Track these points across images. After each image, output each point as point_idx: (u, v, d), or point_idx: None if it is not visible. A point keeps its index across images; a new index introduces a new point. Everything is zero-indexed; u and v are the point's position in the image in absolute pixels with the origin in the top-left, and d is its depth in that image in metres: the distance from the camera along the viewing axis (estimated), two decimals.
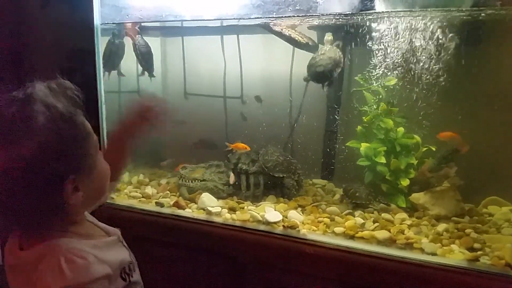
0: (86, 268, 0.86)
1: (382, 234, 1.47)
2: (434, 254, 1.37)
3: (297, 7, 1.57)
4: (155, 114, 1.20)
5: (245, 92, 2.23)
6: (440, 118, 1.66)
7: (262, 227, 1.59)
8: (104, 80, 1.89)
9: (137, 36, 2.05)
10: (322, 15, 1.63)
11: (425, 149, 1.74)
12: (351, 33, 1.76)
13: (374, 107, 1.81)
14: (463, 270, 1.29)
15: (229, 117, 2.29)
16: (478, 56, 1.67)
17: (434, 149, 1.72)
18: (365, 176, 1.81)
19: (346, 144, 1.86)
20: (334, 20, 1.73)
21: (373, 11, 1.51)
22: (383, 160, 1.74)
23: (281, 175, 1.85)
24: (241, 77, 2.22)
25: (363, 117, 1.83)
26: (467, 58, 1.61)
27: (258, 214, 1.63)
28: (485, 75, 1.66)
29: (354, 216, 1.64)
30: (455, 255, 1.36)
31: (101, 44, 1.87)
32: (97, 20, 1.80)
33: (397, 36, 1.63)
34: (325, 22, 1.80)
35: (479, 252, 1.35)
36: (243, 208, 1.74)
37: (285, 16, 1.61)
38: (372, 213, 1.67)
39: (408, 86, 1.68)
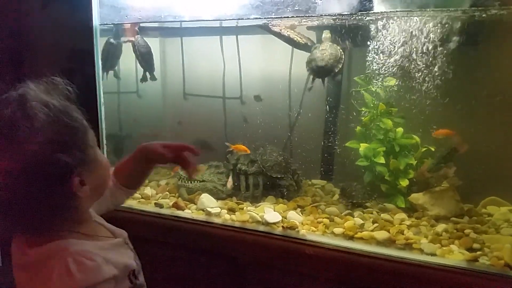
0: (95, 269, 0.86)
1: (381, 234, 1.47)
2: (433, 254, 1.37)
3: (296, 8, 1.57)
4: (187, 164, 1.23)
5: (244, 92, 2.23)
6: (439, 118, 1.66)
7: (261, 228, 1.59)
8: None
9: (136, 36, 2.05)
10: (321, 15, 1.63)
11: (424, 149, 1.74)
12: (349, 33, 1.76)
13: (372, 107, 1.81)
14: (462, 270, 1.29)
15: (228, 117, 2.29)
16: (477, 56, 1.67)
17: (433, 149, 1.73)
18: (364, 177, 1.81)
19: (345, 144, 1.87)
20: (333, 20, 1.73)
21: (372, 11, 1.51)
22: (382, 160, 1.75)
23: (280, 176, 1.85)
24: (240, 77, 2.22)
25: (362, 118, 1.83)
26: (466, 58, 1.61)
27: (258, 214, 1.62)
28: (484, 75, 1.66)
29: (353, 217, 1.64)
30: (454, 256, 1.36)
31: (100, 44, 1.87)
32: (96, 20, 1.80)
33: (396, 36, 1.63)
34: (324, 23, 1.80)
35: (478, 253, 1.35)
36: (242, 208, 1.74)
37: (284, 17, 1.61)
38: (372, 213, 1.67)
39: (407, 87, 1.68)
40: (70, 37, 1.85)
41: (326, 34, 1.82)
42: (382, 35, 1.65)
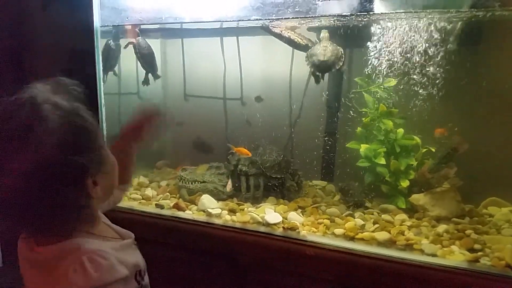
0: (109, 268, 0.87)
1: (382, 235, 1.47)
2: (434, 255, 1.37)
3: (296, 9, 1.57)
4: (155, 121, 1.24)
5: (245, 93, 2.23)
6: (440, 118, 1.66)
7: (262, 229, 1.59)
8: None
9: (137, 38, 2.05)
10: (322, 16, 1.63)
11: (424, 150, 1.74)
12: (349, 34, 1.77)
13: (373, 108, 1.81)
14: (463, 271, 1.29)
15: (229, 118, 2.29)
16: (477, 57, 1.67)
17: (433, 150, 1.73)
18: (365, 177, 1.81)
19: (346, 145, 1.87)
20: (333, 21, 1.73)
21: (372, 12, 1.52)
22: (383, 161, 1.75)
23: (279, 176, 1.85)
24: (241, 78, 2.22)
25: (363, 118, 1.83)
26: (465, 58, 1.61)
27: (258, 215, 1.62)
28: (484, 76, 1.66)
29: (354, 218, 1.64)
30: (455, 256, 1.36)
31: (100, 46, 1.88)
32: (97, 22, 1.80)
33: (396, 37, 1.63)
34: (324, 24, 1.80)
35: (479, 253, 1.35)
36: (243, 209, 1.74)
37: (285, 18, 1.62)
38: (372, 214, 1.67)
39: (406, 87, 1.69)
40: (70, 38, 1.85)
41: (324, 33, 1.82)
42: (382, 36, 1.65)
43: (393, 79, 1.72)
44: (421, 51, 1.62)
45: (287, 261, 1.48)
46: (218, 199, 1.83)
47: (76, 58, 1.88)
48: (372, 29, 1.67)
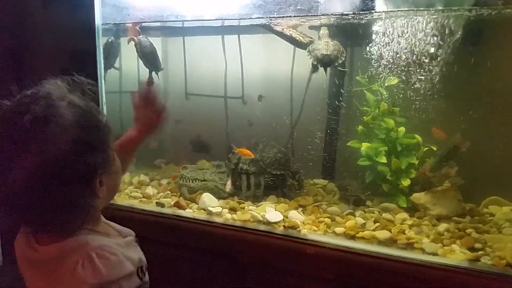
0: (118, 264, 0.88)
1: (383, 234, 1.47)
2: (435, 254, 1.37)
3: (298, 7, 1.57)
4: (154, 98, 1.28)
5: (246, 92, 2.23)
6: (441, 118, 1.66)
7: (262, 227, 1.58)
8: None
9: (138, 37, 2.05)
10: (323, 15, 1.63)
11: (426, 148, 1.74)
12: (351, 32, 1.77)
13: (374, 107, 1.81)
14: (464, 270, 1.28)
15: (230, 116, 2.29)
16: (478, 56, 1.67)
17: (435, 148, 1.72)
18: (366, 176, 1.81)
19: (347, 144, 1.86)
20: (335, 19, 1.73)
21: (374, 10, 1.51)
22: (384, 160, 1.74)
23: (279, 172, 1.85)
24: (242, 77, 2.22)
25: (364, 117, 1.83)
26: (466, 57, 1.61)
27: (259, 214, 1.62)
28: (486, 75, 1.65)
29: (355, 216, 1.63)
30: (456, 255, 1.35)
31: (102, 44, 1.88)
32: (98, 20, 1.80)
33: (397, 35, 1.63)
34: (326, 22, 1.80)
35: (480, 252, 1.35)
36: (243, 208, 1.74)
37: (286, 16, 1.61)
38: (373, 213, 1.67)
39: (408, 86, 1.68)
40: (71, 37, 1.85)
41: (324, 30, 1.82)
42: (383, 34, 1.65)
43: (395, 78, 1.71)
44: (422, 50, 1.61)
45: (288, 260, 1.48)
46: (218, 198, 1.83)
47: (77, 56, 1.88)
48: (373, 27, 1.67)
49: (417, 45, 1.61)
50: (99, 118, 0.90)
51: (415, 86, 1.66)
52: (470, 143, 1.60)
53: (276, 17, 1.64)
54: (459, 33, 1.55)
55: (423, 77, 1.64)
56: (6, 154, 0.80)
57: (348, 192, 1.79)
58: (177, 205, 1.77)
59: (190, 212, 1.75)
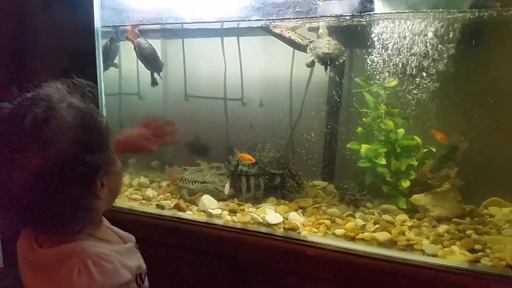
0: (114, 272, 0.87)
1: (382, 235, 1.47)
2: (435, 255, 1.37)
3: (297, 9, 1.57)
4: (161, 135, 1.31)
5: (246, 94, 2.23)
6: (441, 119, 1.66)
7: (262, 229, 1.59)
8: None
9: (137, 40, 2.05)
10: (322, 17, 1.63)
11: (425, 150, 1.74)
12: (349, 34, 1.77)
13: (373, 108, 1.81)
14: (464, 271, 1.28)
15: (230, 118, 2.29)
16: (478, 57, 1.67)
17: (434, 150, 1.72)
18: (366, 178, 1.81)
19: (347, 145, 1.87)
20: (334, 21, 1.73)
21: (373, 12, 1.52)
22: (383, 161, 1.74)
23: (278, 171, 1.85)
24: (241, 79, 2.22)
25: (363, 119, 1.83)
26: (466, 58, 1.61)
27: (259, 216, 1.62)
28: (485, 76, 1.66)
29: (355, 218, 1.64)
30: (456, 257, 1.36)
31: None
32: (97, 22, 1.80)
33: (396, 37, 1.63)
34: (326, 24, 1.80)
35: (480, 254, 1.35)
36: (243, 210, 1.74)
37: (285, 18, 1.62)
38: (373, 214, 1.67)
39: (407, 88, 1.68)
40: (71, 39, 1.86)
41: (323, 29, 1.81)
42: (383, 36, 1.65)
43: (394, 80, 1.71)
44: (421, 52, 1.61)
45: (288, 262, 1.48)
46: (218, 200, 1.82)
47: (77, 58, 1.88)
48: (372, 29, 1.67)
49: (416, 47, 1.62)
50: (99, 120, 0.90)
51: (414, 87, 1.66)
52: (470, 144, 1.60)
53: (275, 19, 1.64)
54: (459, 34, 1.56)
55: (422, 79, 1.64)
56: (6, 156, 0.80)
57: (344, 191, 1.79)
58: (177, 207, 1.77)
59: (190, 214, 1.75)
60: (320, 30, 1.81)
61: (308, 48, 1.79)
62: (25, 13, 1.98)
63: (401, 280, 1.32)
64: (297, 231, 1.54)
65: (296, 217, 1.63)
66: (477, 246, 1.39)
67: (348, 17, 1.63)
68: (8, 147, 0.80)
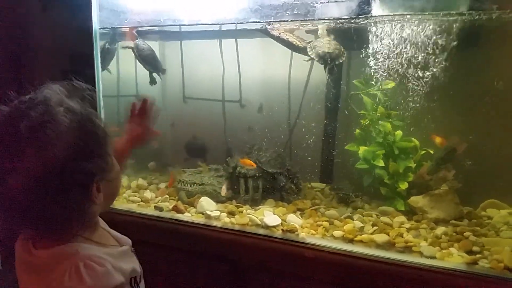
0: (105, 275, 0.86)
1: (381, 237, 1.47)
2: (433, 257, 1.37)
3: (295, 12, 1.57)
4: (148, 112, 1.32)
5: (244, 95, 2.24)
6: (439, 121, 1.66)
7: (261, 231, 1.59)
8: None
9: (135, 41, 2.05)
10: (320, 19, 1.63)
11: (423, 152, 1.75)
12: (348, 36, 1.77)
13: (371, 110, 1.81)
14: (461, 273, 1.29)
15: (228, 120, 2.29)
16: (476, 59, 1.68)
17: (432, 152, 1.73)
18: (364, 180, 1.81)
19: (345, 147, 1.87)
20: (332, 24, 1.74)
21: (370, 15, 1.52)
22: (381, 163, 1.75)
23: (275, 171, 1.85)
24: (239, 80, 2.22)
25: (361, 120, 1.83)
26: (464, 60, 1.62)
27: (257, 218, 1.62)
28: (483, 79, 1.66)
29: (353, 220, 1.64)
30: (454, 258, 1.36)
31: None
32: (96, 24, 1.80)
33: (394, 39, 1.64)
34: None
35: (478, 255, 1.35)
36: (242, 212, 1.74)
37: (283, 21, 1.62)
38: (371, 216, 1.67)
39: (404, 90, 1.69)
40: (69, 40, 1.85)
41: (322, 30, 1.81)
42: (380, 38, 1.65)
43: (391, 82, 1.72)
44: (418, 54, 1.62)
45: (286, 264, 1.48)
46: (217, 202, 1.82)
47: (75, 60, 1.88)
48: (370, 31, 1.67)
49: (414, 48, 1.62)
50: (97, 124, 0.89)
51: (412, 88, 1.67)
52: (469, 145, 1.60)
53: (273, 21, 1.65)
54: (457, 36, 1.56)
55: (420, 80, 1.64)
56: (3, 159, 0.80)
57: (339, 191, 1.81)
58: (176, 209, 1.77)
59: (188, 216, 1.74)
60: (320, 31, 1.82)
61: (308, 47, 1.80)
62: (24, 15, 1.98)
63: (399, 282, 1.32)
64: (296, 233, 1.54)
65: (294, 219, 1.63)
66: (475, 248, 1.39)
67: (346, 20, 1.63)
68: (5, 151, 0.80)
